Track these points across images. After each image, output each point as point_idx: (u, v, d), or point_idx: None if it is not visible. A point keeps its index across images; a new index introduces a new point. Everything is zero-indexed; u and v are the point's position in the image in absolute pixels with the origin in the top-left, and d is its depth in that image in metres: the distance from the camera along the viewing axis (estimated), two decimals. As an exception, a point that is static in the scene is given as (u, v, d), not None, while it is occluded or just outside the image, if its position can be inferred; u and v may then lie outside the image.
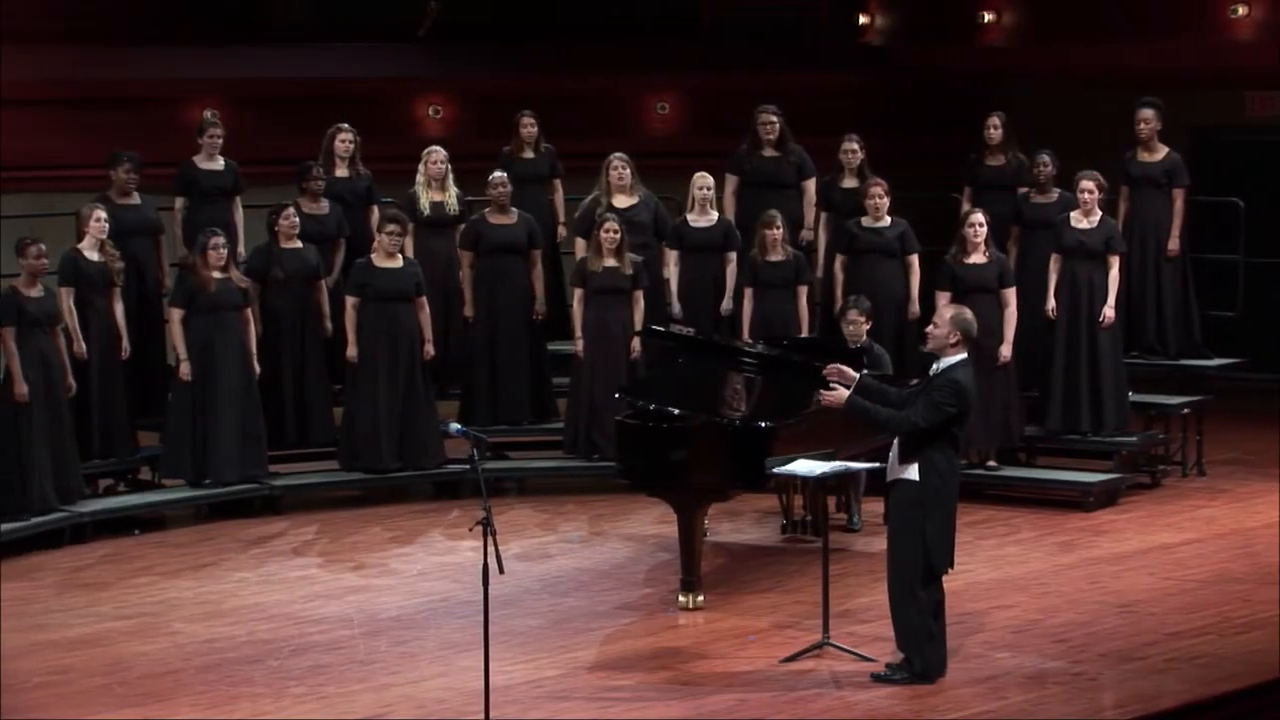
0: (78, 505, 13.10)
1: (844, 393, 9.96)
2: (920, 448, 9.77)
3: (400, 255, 14.04)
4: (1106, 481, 13.91)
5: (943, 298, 13.71)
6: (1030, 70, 18.34)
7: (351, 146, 14.70)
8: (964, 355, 9.86)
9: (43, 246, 12.92)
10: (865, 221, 14.19)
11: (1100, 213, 14.09)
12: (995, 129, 14.85)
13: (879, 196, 14.08)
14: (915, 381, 10.65)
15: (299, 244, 14.08)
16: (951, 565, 9.96)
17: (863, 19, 19.95)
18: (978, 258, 13.73)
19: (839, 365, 10.19)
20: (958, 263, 13.75)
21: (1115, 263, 14.06)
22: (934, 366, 9.90)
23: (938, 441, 9.76)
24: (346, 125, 14.74)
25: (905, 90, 18.96)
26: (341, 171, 14.69)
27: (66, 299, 13.21)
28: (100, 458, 13.59)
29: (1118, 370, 14.14)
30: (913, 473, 9.80)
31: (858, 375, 10.08)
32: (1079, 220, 14.04)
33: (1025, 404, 14.24)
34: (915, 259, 14.18)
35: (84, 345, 13.29)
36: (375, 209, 14.69)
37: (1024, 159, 14.77)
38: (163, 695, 9.91)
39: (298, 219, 14.06)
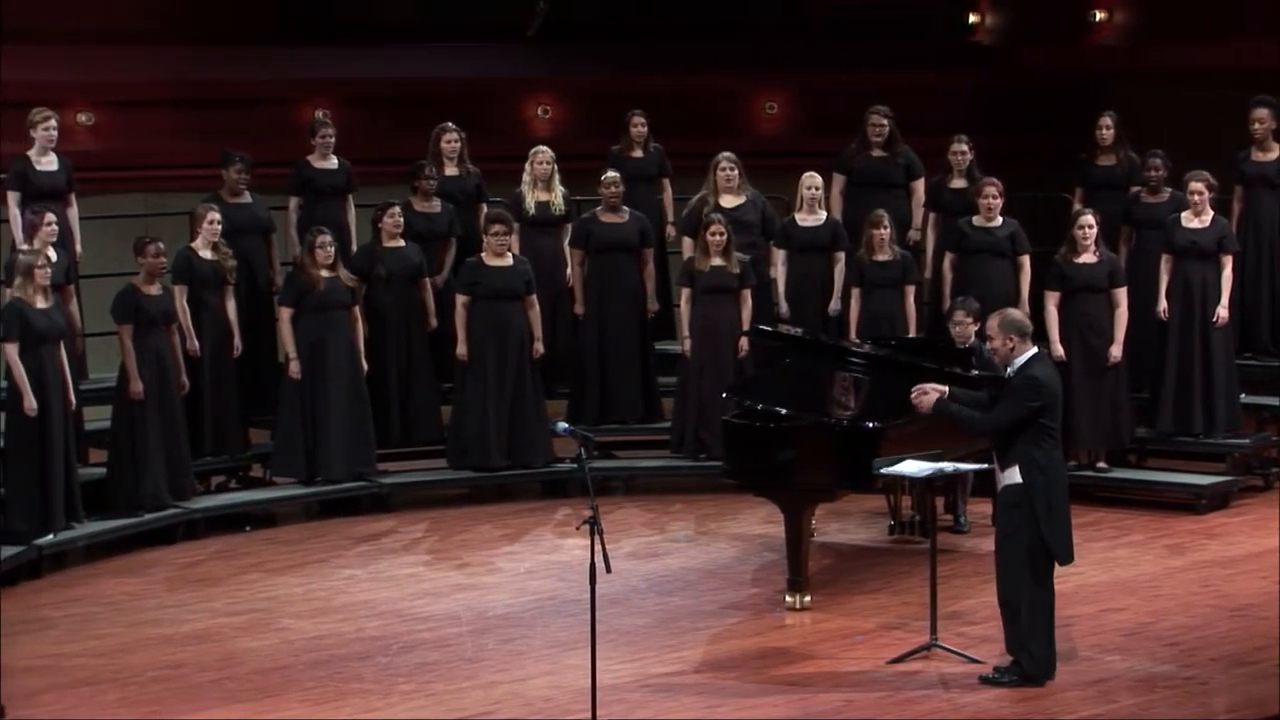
0: (190, 502, 13.22)
1: (933, 396, 9.96)
2: (1016, 449, 9.74)
3: (510, 254, 14.10)
4: (1218, 484, 13.77)
5: (1052, 298, 13.67)
6: (1142, 69, 18.18)
7: (458, 145, 14.76)
8: (1033, 351, 9.83)
9: (160, 245, 13.04)
10: (976, 221, 14.12)
11: (1212, 212, 13.96)
12: (1106, 129, 14.73)
13: (993, 196, 14.00)
14: (976, 373, 10.67)
15: (402, 243, 14.15)
16: (1071, 558, 9.90)
17: (973, 18, 19.84)
18: (1088, 258, 13.64)
19: (923, 386, 10.16)
20: (1067, 262, 13.67)
21: (1229, 263, 13.92)
22: (1009, 369, 9.87)
23: (1032, 439, 9.72)
24: (451, 125, 14.80)
25: (1016, 90, 18.84)
26: (450, 170, 14.76)
27: (180, 297, 13.34)
28: (212, 455, 13.71)
29: (1230, 371, 14.00)
30: (1015, 475, 9.77)
31: (945, 389, 10.09)
32: (1190, 220, 13.91)
33: (1136, 405, 14.12)
34: (1027, 259, 14.10)
35: (197, 343, 13.42)
36: (484, 207, 14.76)
37: (1135, 159, 14.65)
38: (273, 691, 9.99)
39: (402, 218, 14.13)
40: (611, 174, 14.59)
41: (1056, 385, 9.84)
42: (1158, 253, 14.06)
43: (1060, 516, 9.80)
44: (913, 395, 10.13)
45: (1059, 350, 13.62)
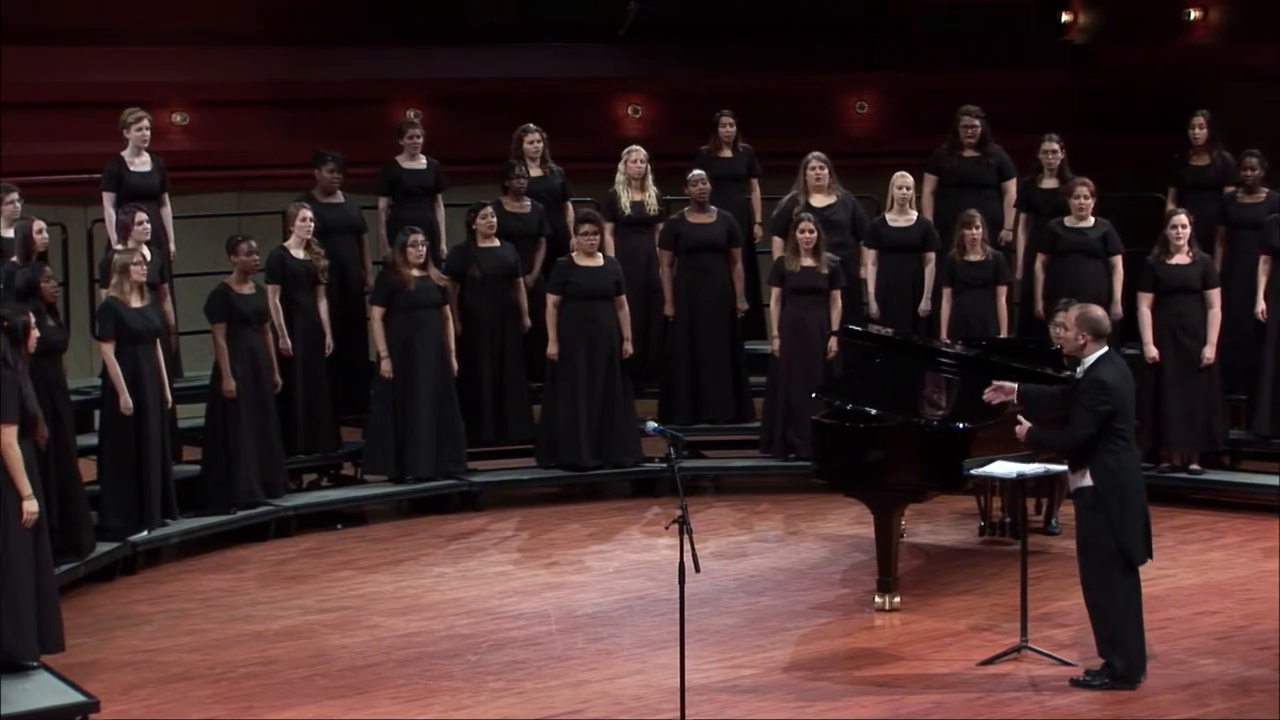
0: (282, 499, 13.31)
1: (1025, 426, 9.98)
2: (1085, 454, 9.72)
3: (600, 254, 14.12)
4: (1314, 487, 13.64)
5: (1145, 299, 13.58)
6: (1236, 68, 18.03)
7: (540, 145, 14.79)
8: (1104, 350, 9.78)
9: (253, 244, 13.14)
10: (1069, 221, 14.04)
11: (1309, 212, 13.85)
12: (1200, 128, 14.62)
13: (1084, 197, 13.93)
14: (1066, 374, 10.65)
15: (496, 242, 14.20)
16: (1149, 556, 9.84)
17: (1066, 17, 19.73)
18: (1181, 258, 13.54)
19: (999, 383, 10.19)
20: (1160, 263, 13.58)
21: (1329, 264, 13.80)
22: (1078, 369, 9.82)
23: (1101, 442, 9.67)
24: (533, 125, 14.83)
25: (1108, 89, 18.73)
26: (535, 171, 14.79)
27: (272, 296, 13.43)
28: (304, 453, 13.81)
29: (1329, 373, 13.87)
30: (1087, 479, 9.75)
31: (1015, 386, 10.15)
32: (1289, 220, 13.80)
33: (1230, 407, 14.00)
34: (1119, 260, 14.01)
35: (289, 342, 13.51)
36: (570, 206, 14.79)
37: (1229, 159, 14.53)
38: (363, 688, 10.05)
39: (495, 218, 14.18)
40: (697, 172, 14.59)
41: (1125, 386, 9.75)
42: (1254, 253, 13.93)
43: (1134, 517, 9.73)
44: (986, 394, 10.23)
45: (1152, 351, 13.54)
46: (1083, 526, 9.87)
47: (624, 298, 14.17)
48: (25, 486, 9.64)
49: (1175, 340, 13.63)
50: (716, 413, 14.61)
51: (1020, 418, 10.08)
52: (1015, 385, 10.26)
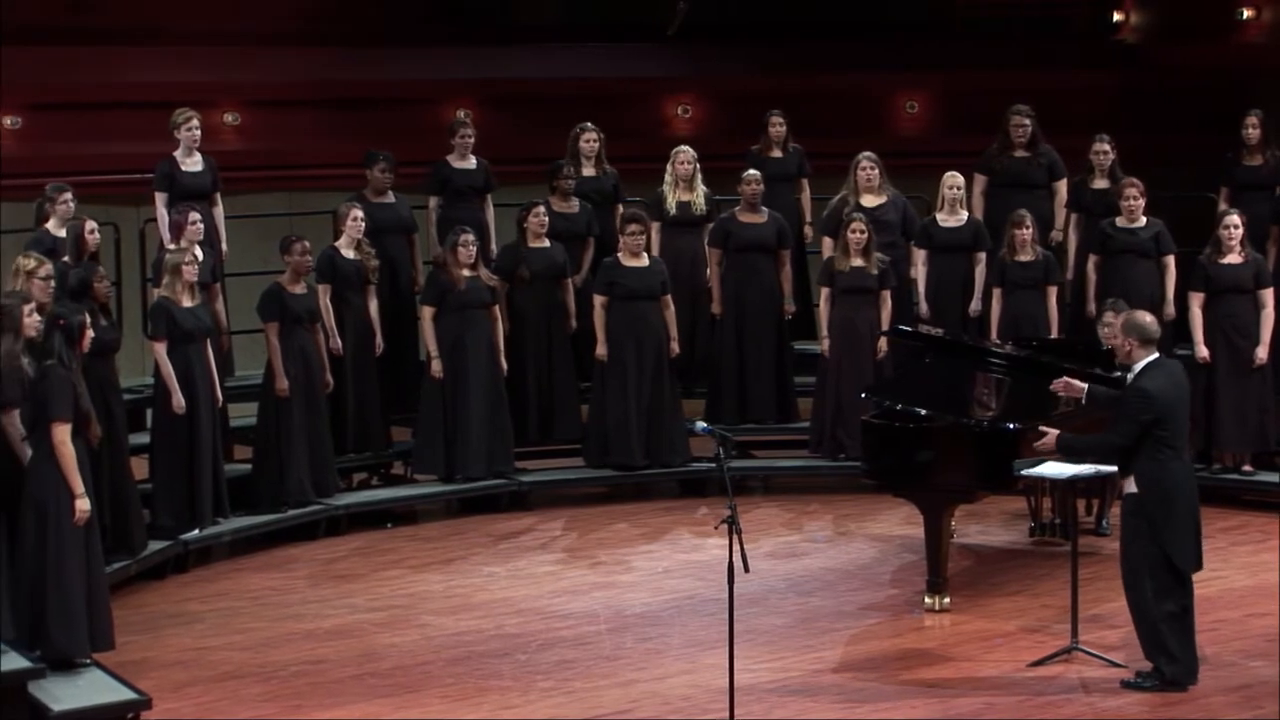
0: (333, 498, 13.35)
1: (1052, 434, 9.97)
2: (1129, 460, 9.69)
3: (646, 254, 14.13)
4: (1368, 488, 13.57)
5: (1196, 299, 13.52)
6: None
7: (596, 146, 14.81)
8: (1153, 357, 9.73)
9: (307, 244, 13.17)
10: (1120, 222, 14.00)
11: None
12: (1253, 128, 14.55)
13: (1134, 197, 13.89)
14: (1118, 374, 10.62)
15: (547, 242, 14.22)
16: (1198, 566, 9.79)
17: (1117, 16, 19.65)
18: (1233, 258, 13.49)
19: (1066, 379, 10.15)
20: (1213, 263, 13.52)
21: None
22: (1128, 375, 9.79)
23: (1144, 449, 9.62)
24: (590, 125, 14.85)
25: (1159, 89, 18.63)
26: (588, 171, 14.81)
27: (323, 296, 13.47)
28: (355, 452, 13.84)
29: (1384, 374, 13.80)
30: (1132, 485, 9.73)
31: (1085, 386, 10.08)
32: (1341, 221, 13.74)
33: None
34: (1172, 260, 13.96)
35: (340, 341, 13.55)
36: (620, 208, 14.80)
37: (1284, 158, 14.48)
38: (413, 686, 10.07)
39: (547, 217, 14.20)
40: (753, 172, 14.59)
41: (1170, 394, 9.67)
42: (1309, 253, 13.89)
43: (1180, 525, 9.66)
44: (1055, 385, 10.24)
45: (1204, 352, 13.49)
46: (1126, 532, 9.84)
47: (669, 297, 14.17)
48: (78, 485, 9.70)
49: (1227, 340, 13.57)
50: (762, 413, 14.60)
51: (1043, 427, 10.06)
52: (1085, 385, 10.18)
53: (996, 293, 14.05)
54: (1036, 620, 11.03)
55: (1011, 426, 11.00)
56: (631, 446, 14.07)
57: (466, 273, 13.72)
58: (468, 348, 13.71)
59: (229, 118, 17.10)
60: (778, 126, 15.21)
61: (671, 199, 14.71)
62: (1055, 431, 10.02)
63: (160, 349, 12.20)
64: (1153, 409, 9.59)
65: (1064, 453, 10.12)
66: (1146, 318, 9.89)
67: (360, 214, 13.69)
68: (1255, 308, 13.52)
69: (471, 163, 14.58)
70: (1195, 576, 9.85)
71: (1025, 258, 13.93)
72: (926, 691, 9.90)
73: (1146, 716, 9.50)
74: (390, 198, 14.26)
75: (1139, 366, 9.73)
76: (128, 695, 9.54)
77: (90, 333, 10.12)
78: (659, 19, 18.41)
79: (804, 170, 15.30)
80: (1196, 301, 13.58)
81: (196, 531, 12.37)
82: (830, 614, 11.31)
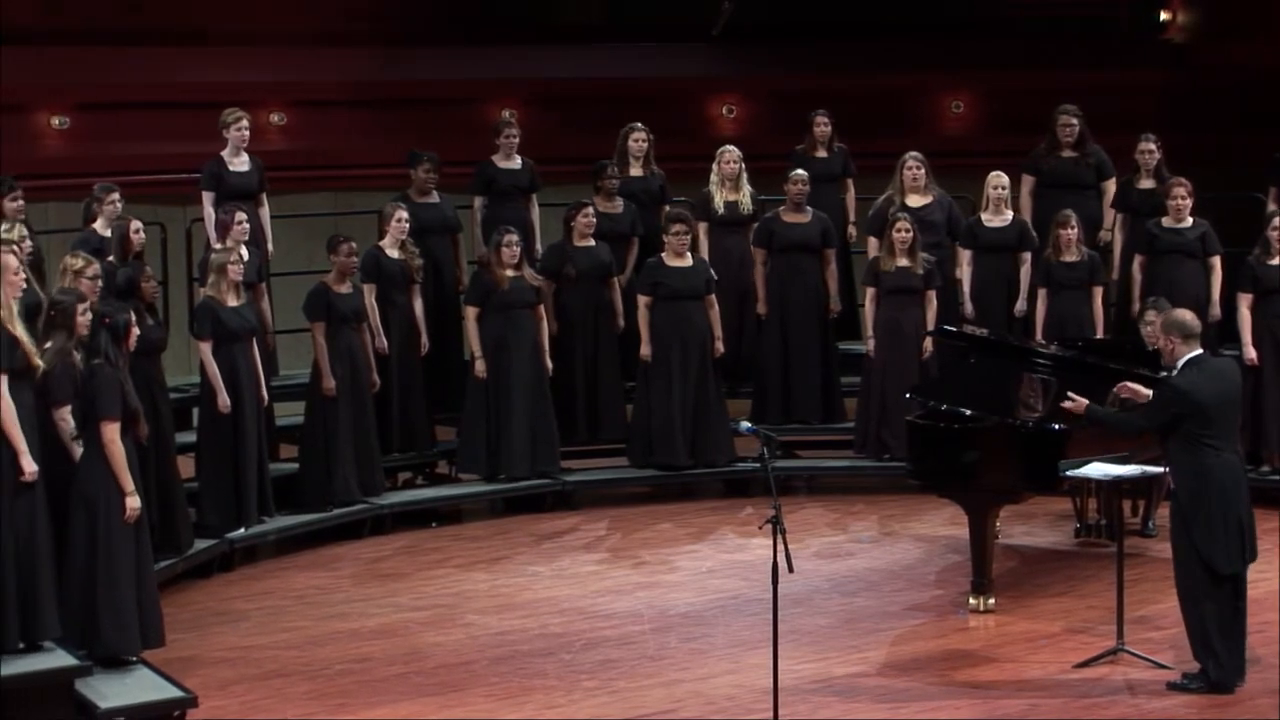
0: (378, 498, 13.38)
1: (1083, 402, 9.95)
2: (1169, 455, 9.72)
3: (690, 254, 14.13)
4: None
5: (1244, 299, 13.46)
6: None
7: (645, 146, 14.82)
8: (1194, 354, 9.68)
9: (353, 245, 13.20)
10: (1166, 222, 13.95)
11: None
12: (1302, 127, 14.50)
13: (1181, 197, 13.83)
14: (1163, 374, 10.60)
15: (593, 242, 14.23)
16: (1242, 566, 9.71)
17: (1164, 15, 19.58)
18: (1281, 259, 13.44)
19: (1130, 384, 10.11)
20: (1261, 264, 13.46)
21: None
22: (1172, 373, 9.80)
23: (1183, 446, 9.61)
24: (640, 125, 14.86)
25: (1206, 88, 18.57)
26: (635, 171, 14.82)
27: (368, 296, 13.50)
28: (400, 451, 13.87)
29: None
30: (1173, 482, 9.70)
31: (1149, 392, 10.01)
32: (1393, 220, 13.64)
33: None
34: (1218, 260, 13.90)
35: (385, 341, 13.58)
36: (666, 208, 14.80)
37: (1332, 158, 14.41)
38: (458, 685, 10.09)
39: (594, 217, 14.21)
40: (799, 172, 14.58)
41: (1204, 391, 9.59)
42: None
43: (1215, 525, 9.58)
44: (1117, 389, 10.21)
45: (1251, 353, 13.42)
46: (1172, 529, 9.82)
47: (714, 297, 14.17)
48: (128, 482, 9.75)
49: (1275, 341, 13.51)
50: (807, 413, 14.59)
51: (1073, 395, 10.08)
52: (1149, 391, 10.09)
53: (1041, 293, 14.01)
54: (1082, 621, 11.00)
55: (1057, 428, 10.96)
56: (676, 446, 14.08)
57: (510, 273, 13.73)
58: (511, 348, 13.73)
59: (275, 118, 17.16)
60: (823, 126, 15.19)
61: (718, 199, 14.70)
62: (1085, 401, 10.02)
63: (206, 348, 12.25)
64: (1182, 404, 9.56)
65: (1090, 422, 10.12)
66: (1186, 315, 9.85)
67: (405, 214, 13.72)
68: (1304, 308, 13.47)
69: (516, 163, 14.60)
70: (1243, 580, 9.82)
71: (1070, 258, 13.89)
72: (971, 693, 9.88)
73: (1193, 718, 9.46)
74: (435, 198, 14.28)
75: (1181, 363, 9.70)
76: (174, 693, 9.58)
77: (136, 331, 10.16)
78: (704, 19, 18.41)
79: (849, 170, 15.27)
80: (1244, 302, 13.52)
81: (242, 530, 12.42)
82: (875, 614, 11.30)
